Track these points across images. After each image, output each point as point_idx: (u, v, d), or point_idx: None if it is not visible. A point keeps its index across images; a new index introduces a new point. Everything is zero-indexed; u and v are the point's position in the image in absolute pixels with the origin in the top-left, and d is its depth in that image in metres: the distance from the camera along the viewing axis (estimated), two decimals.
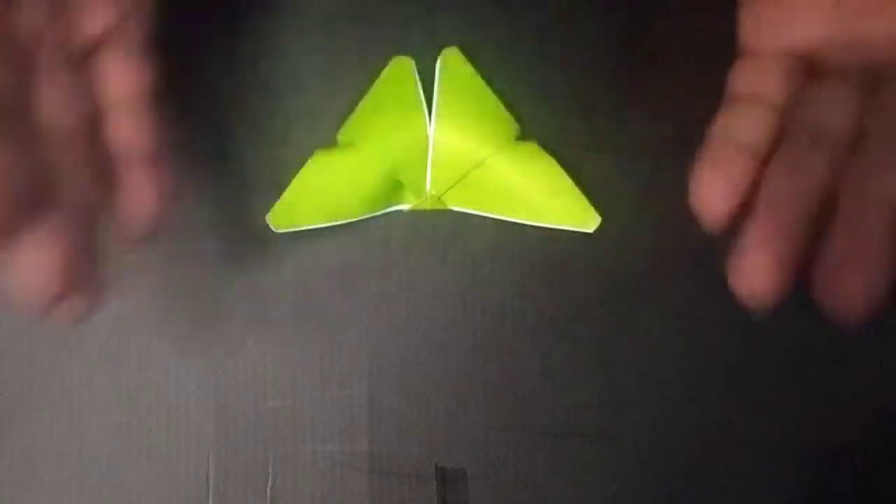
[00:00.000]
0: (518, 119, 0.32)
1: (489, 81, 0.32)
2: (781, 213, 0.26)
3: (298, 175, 0.31)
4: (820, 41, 0.28)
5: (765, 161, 0.27)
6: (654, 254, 0.32)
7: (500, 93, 0.32)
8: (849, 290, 0.25)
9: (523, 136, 0.33)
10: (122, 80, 0.27)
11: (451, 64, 0.32)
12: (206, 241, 0.33)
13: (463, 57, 0.32)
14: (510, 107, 0.32)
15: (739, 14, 0.29)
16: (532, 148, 0.32)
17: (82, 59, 0.26)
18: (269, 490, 0.33)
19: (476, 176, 0.32)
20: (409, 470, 0.32)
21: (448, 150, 0.32)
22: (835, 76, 0.28)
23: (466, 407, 0.33)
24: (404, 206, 0.32)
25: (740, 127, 0.28)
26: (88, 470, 0.33)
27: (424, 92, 0.32)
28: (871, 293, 0.25)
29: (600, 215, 0.31)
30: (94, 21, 0.26)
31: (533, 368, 0.33)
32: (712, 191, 0.27)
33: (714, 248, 0.32)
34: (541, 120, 0.33)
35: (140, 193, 0.26)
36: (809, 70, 0.28)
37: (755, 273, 0.26)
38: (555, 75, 0.33)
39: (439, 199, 0.32)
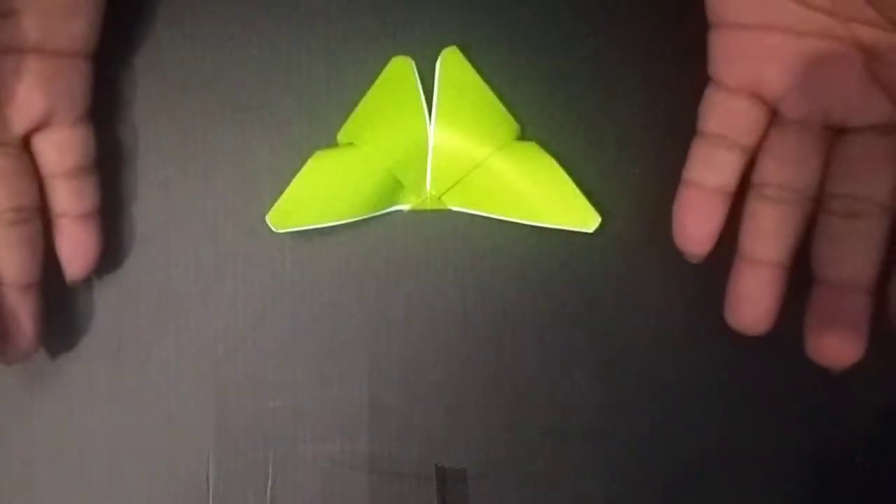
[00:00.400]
0: (518, 119, 0.32)
1: (489, 81, 0.32)
2: (765, 264, 0.29)
3: (298, 175, 0.31)
4: (784, 86, 0.29)
5: (736, 201, 0.30)
6: (654, 254, 0.32)
7: (500, 93, 0.32)
8: (830, 356, 0.28)
9: (523, 136, 0.33)
10: (58, 158, 0.30)
11: (451, 64, 0.32)
12: (206, 241, 0.33)
13: (463, 57, 0.32)
14: (510, 107, 0.32)
15: (708, 41, 0.30)
16: (532, 148, 0.32)
17: (22, 144, 0.29)
18: (269, 490, 0.33)
19: (476, 176, 0.32)
20: (409, 470, 0.32)
21: (448, 150, 0.32)
22: (797, 124, 0.29)
23: (466, 407, 0.33)
24: (404, 206, 0.32)
25: (712, 171, 0.30)
26: (88, 470, 0.33)
27: (424, 92, 0.32)
28: (851, 355, 0.28)
29: (600, 215, 0.31)
30: (28, 112, 0.29)
31: (533, 368, 0.33)
32: (690, 233, 0.30)
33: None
34: (541, 120, 0.33)
35: (71, 248, 0.30)
36: (774, 114, 0.30)
37: (748, 315, 0.29)
38: (555, 75, 0.33)
39: (439, 199, 0.32)
